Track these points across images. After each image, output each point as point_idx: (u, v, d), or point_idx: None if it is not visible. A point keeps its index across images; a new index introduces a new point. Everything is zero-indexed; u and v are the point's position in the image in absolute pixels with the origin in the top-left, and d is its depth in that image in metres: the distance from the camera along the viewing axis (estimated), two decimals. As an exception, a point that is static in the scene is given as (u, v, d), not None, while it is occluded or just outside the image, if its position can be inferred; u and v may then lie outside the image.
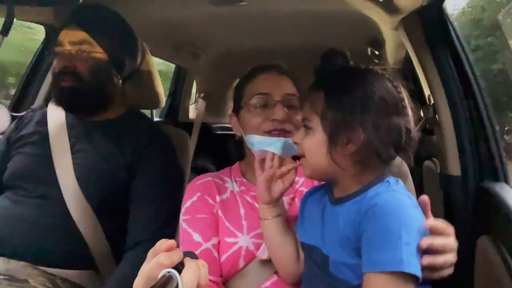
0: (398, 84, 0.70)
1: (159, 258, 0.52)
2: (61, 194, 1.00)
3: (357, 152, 0.67)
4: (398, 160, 1.03)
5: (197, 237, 0.86)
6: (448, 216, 1.09)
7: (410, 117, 0.69)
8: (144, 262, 0.53)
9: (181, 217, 0.90)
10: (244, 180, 0.95)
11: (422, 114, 1.15)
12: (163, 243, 0.54)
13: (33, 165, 1.05)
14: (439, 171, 1.23)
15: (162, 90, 1.40)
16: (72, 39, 1.04)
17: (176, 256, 0.53)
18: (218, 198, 0.91)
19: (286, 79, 0.93)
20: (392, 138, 0.66)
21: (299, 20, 1.43)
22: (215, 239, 0.86)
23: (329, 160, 0.68)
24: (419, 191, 1.08)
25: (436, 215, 1.29)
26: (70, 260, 0.98)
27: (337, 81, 0.70)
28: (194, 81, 2.42)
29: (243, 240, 0.85)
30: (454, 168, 1.02)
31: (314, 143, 0.70)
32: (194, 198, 0.91)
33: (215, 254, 0.85)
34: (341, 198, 0.71)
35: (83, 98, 1.06)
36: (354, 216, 0.65)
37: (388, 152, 0.67)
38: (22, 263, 0.94)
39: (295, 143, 0.74)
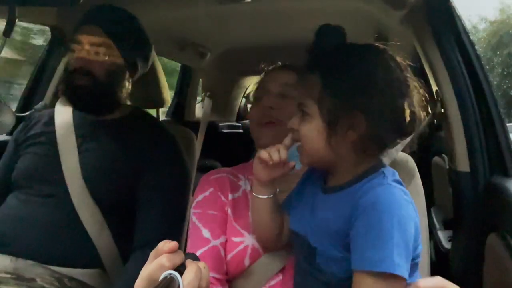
0: (400, 62, 0.65)
1: (160, 260, 0.52)
2: (68, 194, 1.01)
3: (358, 139, 0.63)
4: (403, 155, 1.02)
5: (206, 233, 0.86)
6: (457, 213, 1.07)
7: (414, 97, 0.65)
8: (146, 264, 0.53)
9: (192, 210, 0.90)
10: None
11: (429, 109, 1.13)
12: (165, 245, 0.54)
13: (40, 165, 1.06)
14: (447, 167, 1.21)
15: (167, 89, 1.40)
16: (92, 40, 1.04)
17: (178, 258, 0.53)
18: (230, 196, 0.90)
19: (289, 71, 0.93)
20: (395, 123, 0.63)
21: (304, 16, 1.42)
22: (223, 237, 0.86)
23: (327, 148, 0.64)
24: (427, 188, 1.07)
25: (445, 212, 1.27)
26: (77, 259, 0.98)
27: (333, 61, 0.65)
28: (200, 80, 2.42)
29: (249, 239, 0.85)
30: (463, 164, 1.01)
31: (312, 130, 0.65)
32: (207, 193, 0.91)
33: (222, 252, 0.85)
34: (333, 188, 0.68)
35: (95, 98, 1.07)
36: (346, 208, 0.62)
37: (391, 137, 0.64)
38: (29, 262, 0.95)
39: (291, 128, 0.69)
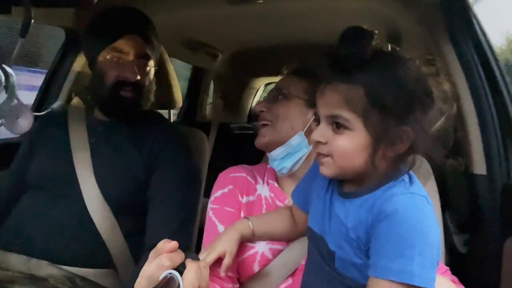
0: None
1: (160, 259, 0.52)
2: (81, 194, 1.01)
3: (402, 153, 0.61)
4: (417, 158, 1.00)
5: (221, 229, 0.86)
6: (474, 217, 1.05)
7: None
8: (146, 263, 0.53)
9: (210, 205, 0.92)
10: (276, 185, 0.93)
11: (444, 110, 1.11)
12: (165, 244, 0.54)
13: (54, 165, 1.07)
14: (463, 170, 1.18)
15: (179, 91, 1.41)
16: (139, 51, 1.07)
17: (178, 258, 0.53)
18: (245, 199, 0.90)
19: (288, 76, 0.95)
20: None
21: (315, 16, 1.41)
22: None
23: (367, 162, 0.61)
24: (442, 191, 1.05)
25: (461, 217, 1.26)
26: (89, 259, 0.98)
27: (377, 72, 0.59)
28: (211, 81, 2.43)
29: (260, 246, 0.84)
30: (479, 166, 0.98)
31: (354, 145, 0.60)
32: (225, 190, 0.91)
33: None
34: (353, 193, 0.65)
35: (140, 107, 1.10)
36: (365, 215, 0.60)
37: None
38: (42, 261, 0.96)
39: (319, 141, 0.63)
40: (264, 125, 0.92)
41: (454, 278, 0.78)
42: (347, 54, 0.61)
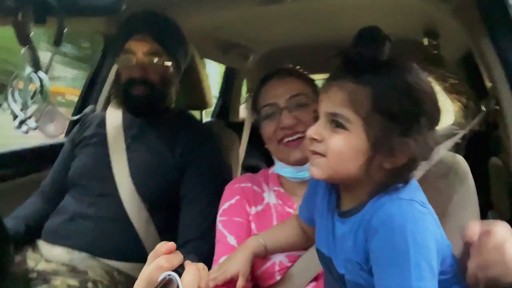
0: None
1: (159, 261, 0.52)
2: (117, 191, 1.06)
3: (400, 165, 0.57)
4: (454, 156, 0.95)
5: (232, 240, 0.86)
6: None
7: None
8: (145, 265, 0.53)
9: (218, 217, 0.92)
10: (282, 190, 0.93)
11: (483, 107, 1.06)
12: (163, 246, 0.53)
13: (93, 164, 1.13)
14: (504, 167, 1.13)
15: (210, 91, 1.43)
16: (146, 49, 1.09)
17: (176, 259, 0.53)
18: (253, 210, 0.90)
19: (293, 80, 0.89)
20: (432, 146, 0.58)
21: (348, 13, 1.39)
22: None
23: (361, 169, 0.57)
24: (485, 190, 1.01)
25: (504, 216, 1.20)
26: (125, 253, 1.03)
27: (389, 78, 0.56)
28: (244, 80, 2.45)
29: (276, 256, 0.83)
30: None
31: (350, 147, 0.57)
32: (232, 201, 0.92)
33: None
34: (349, 211, 0.62)
35: (154, 105, 1.13)
36: (360, 233, 0.58)
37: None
38: (83, 254, 1.02)
39: (314, 139, 0.60)
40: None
41: None
42: (361, 54, 0.58)
